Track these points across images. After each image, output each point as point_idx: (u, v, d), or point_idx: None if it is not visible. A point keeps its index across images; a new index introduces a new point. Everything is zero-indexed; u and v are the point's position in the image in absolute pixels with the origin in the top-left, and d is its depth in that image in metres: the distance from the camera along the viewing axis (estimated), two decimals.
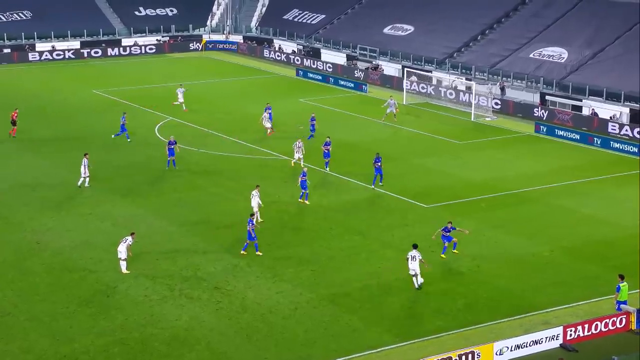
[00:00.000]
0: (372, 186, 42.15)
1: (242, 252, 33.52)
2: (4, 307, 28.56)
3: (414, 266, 30.41)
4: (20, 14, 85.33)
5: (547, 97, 61.76)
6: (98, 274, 31.37)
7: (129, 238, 31.62)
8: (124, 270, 31.34)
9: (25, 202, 39.55)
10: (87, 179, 41.54)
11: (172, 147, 44.52)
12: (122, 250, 31.31)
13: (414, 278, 30.61)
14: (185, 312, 28.51)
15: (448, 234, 33.76)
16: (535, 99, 62.54)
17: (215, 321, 28.00)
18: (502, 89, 64.07)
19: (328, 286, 30.77)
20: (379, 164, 42.41)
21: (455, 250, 34.09)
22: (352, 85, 69.81)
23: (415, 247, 30.85)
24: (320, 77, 72.99)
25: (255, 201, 37.10)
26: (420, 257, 30.39)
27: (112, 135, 50.30)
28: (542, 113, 58.76)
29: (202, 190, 41.44)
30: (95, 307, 28.75)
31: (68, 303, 28.98)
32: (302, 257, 33.40)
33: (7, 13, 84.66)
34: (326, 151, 45.01)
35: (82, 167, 41.42)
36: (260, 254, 33.33)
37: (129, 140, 49.85)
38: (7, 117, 51.91)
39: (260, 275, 31.61)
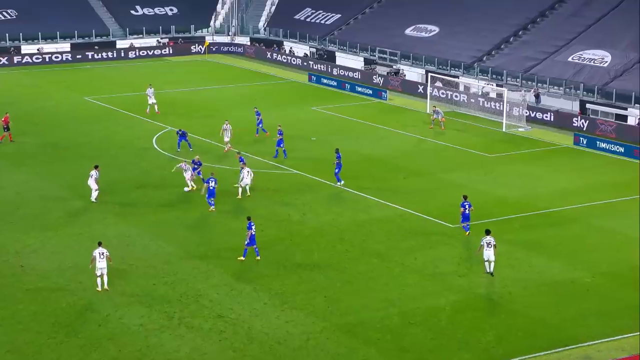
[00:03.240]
0: (338, 184, 44.84)
1: (240, 258, 34.88)
2: None
3: (489, 254, 33.39)
4: (4, 13, 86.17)
5: (588, 106, 61.61)
6: (88, 301, 31.42)
7: (103, 250, 31.91)
8: (105, 286, 31.85)
9: (8, 220, 39.76)
10: (97, 193, 41.99)
11: (198, 168, 44.29)
12: (104, 267, 31.87)
13: (486, 264, 33.63)
14: (186, 343, 28.52)
15: (467, 210, 37.81)
16: (575, 107, 62.43)
17: (219, 353, 27.98)
18: (537, 96, 64.02)
19: (343, 314, 30.72)
20: (339, 160, 44.96)
21: (467, 232, 37.98)
22: (371, 92, 69.97)
23: (488, 232, 33.83)
24: (335, 83, 73.21)
25: (249, 178, 42.34)
26: (494, 243, 33.40)
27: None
28: (582, 123, 58.63)
29: (204, 208, 41.49)
30: (85, 337, 28.77)
31: (54, 333, 29.01)
32: (314, 282, 33.39)
33: None
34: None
35: (91, 180, 41.73)
36: (259, 258, 35.03)
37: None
38: None
39: (267, 301, 31.62)
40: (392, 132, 57.76)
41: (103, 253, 31.89)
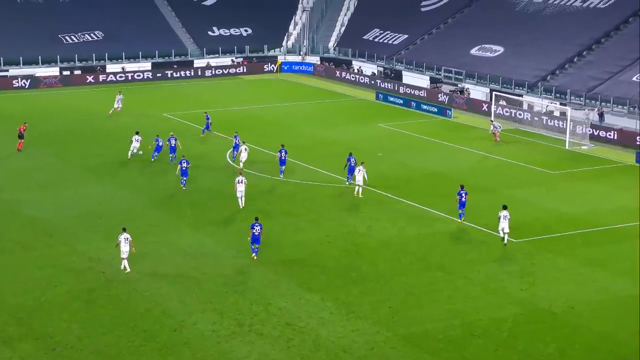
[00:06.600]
0: (347, 183, 47.00)
1: (253, 256, 36.34)
2: (67, 340, 29.19)
3: (504, 225, 36.98)
4: (91, 34, 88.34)
5: None
6: (164, 307, 31.84)
7: (127, 236, 34.41)
8: (128, 269, 34.53)
9: (91, 230, 40.50)
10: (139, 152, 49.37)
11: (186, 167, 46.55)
12: (127, 251, 34.58)
13: (501, 233, 37.36)
14: (255, 349, 28.66)
15: (464, 198, 40.04)
16: (638, 126, 61.07)
17: None
18: (601, 115, 62.88)
19: (407, 325, 30.54)
20: (352, 161, 46.77)
21: (459, 220, 40.62)
22: (436, 109, 69.58)
23: (505, 207, 37.58)
24: (401, 101, 73.02)
25: (360, 176, 44.41)
26: (509, 217, 37.09)
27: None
28: None
29: (274, 220, 41.72)
30: (161, 341, 29.14)
31: (134, 337, 29.46)
32: (379, 293, 33.26)
33: (79, 33, 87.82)
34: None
35: (135, 142, 51.40)
36: (255, 258, 36.16)
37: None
38: (74, 140, 53.60)
39: (334, 311, 31.60)
40: (457, 149, 57.31)
41: (127, 238, 34.60)
